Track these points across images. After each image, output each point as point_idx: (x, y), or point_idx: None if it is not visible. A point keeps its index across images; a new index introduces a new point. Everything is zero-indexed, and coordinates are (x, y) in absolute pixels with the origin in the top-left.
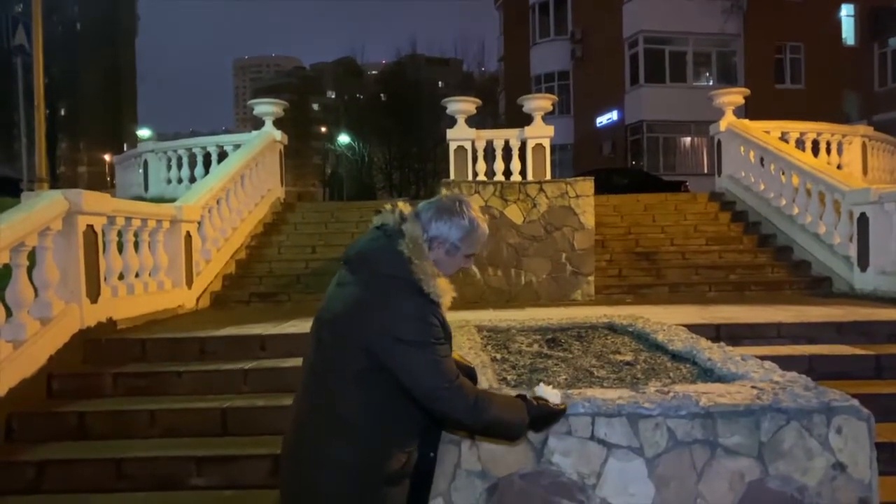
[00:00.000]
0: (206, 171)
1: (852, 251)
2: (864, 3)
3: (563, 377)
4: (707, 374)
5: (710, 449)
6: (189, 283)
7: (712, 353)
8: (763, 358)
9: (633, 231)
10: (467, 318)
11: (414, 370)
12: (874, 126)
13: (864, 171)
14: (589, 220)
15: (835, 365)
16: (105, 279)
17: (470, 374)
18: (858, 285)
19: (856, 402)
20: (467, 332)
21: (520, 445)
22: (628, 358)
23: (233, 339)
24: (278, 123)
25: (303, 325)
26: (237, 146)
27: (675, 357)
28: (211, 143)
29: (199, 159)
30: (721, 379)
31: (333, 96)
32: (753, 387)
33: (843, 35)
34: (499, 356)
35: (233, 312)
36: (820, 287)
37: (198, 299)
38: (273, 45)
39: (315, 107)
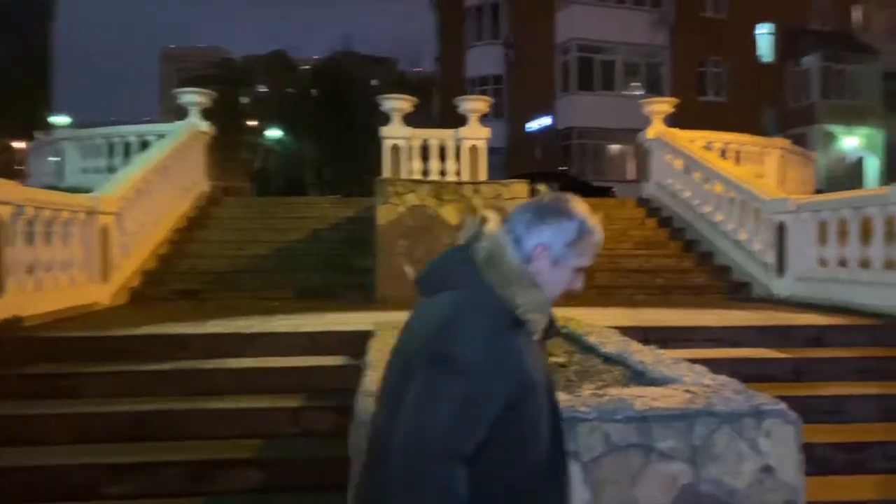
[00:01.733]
0: (127, 163)
1: (771, 258)
2: (781, 22)
3: None
4: (639, 376)
5: (645, 453)
6: (105, 278)
7: (643, 355)
8: (690, 360)
9: None
10: (401, 318)
11: (420, 403)
12: (789, 140)
13: (781, 182)
14: None
15: (756, 367)
16: (10, 273)
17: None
18: (776, 290)
19: (784, 405)
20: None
21: None
22: (561, 360)
23: (151, 338)
24: (205, 115)
25: (226, 325)
26: (160, 136)
27: (608, 359)
28: (132, 132)
29: (120, 149)
30: (653, 382)
31: (265, 90)
32: (686, 390)
33: (761, 52)
34: None
35: (152, 310)
36: (740, 292)
37: (114, 296)
38: (202, 34)
39: (244, 100)
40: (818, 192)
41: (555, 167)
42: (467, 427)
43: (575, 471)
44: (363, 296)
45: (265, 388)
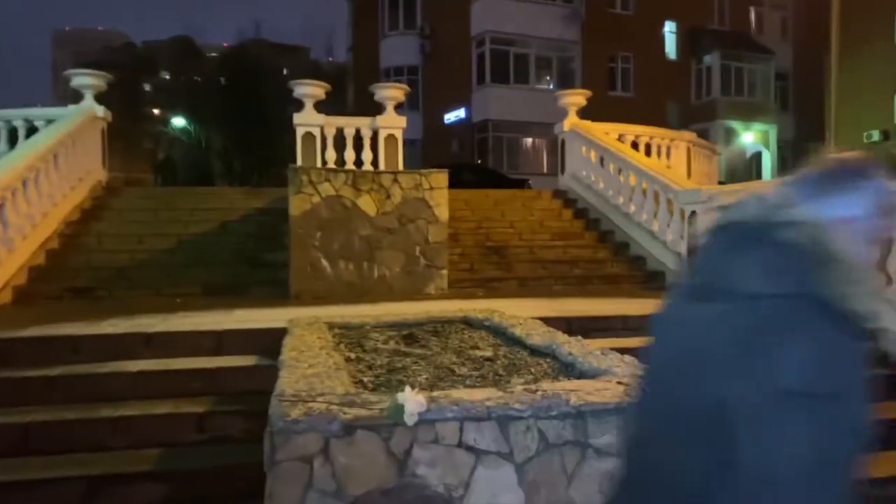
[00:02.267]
0: (12, 149)
1: (683, 247)
2: (684, 21)
3: (425, 376)
4: (568, 368)
5: (581, 450)
6: None
7: (571, 347)
8: (612, 349)
9: (484, 225)
10: (318, 314)
11: (774, 440)
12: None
13: (689, 174)
14: (443, 212)
15: None
16: None
17: None
18: None
19: None
20: (318, 329)
21: (380, 457)
22: (488, 353)
23: (38, 340)
24: (105, 102)
25: (124, 324)
26: (50, 122)
27: (535, 352)
28: (17, 116)
29: (4, 135)
30: (583, 374)
31: (168, 77)
32: (619, 382)
33: (667, 50)
34: (353, 355)
35: (40, 310)
36: (655, 281)
37: None
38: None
39: (147, 87)
40: (720, 184)
41: (471, 160)
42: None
43: (508, 473)
44: (276, 291)
45: (166, 392)
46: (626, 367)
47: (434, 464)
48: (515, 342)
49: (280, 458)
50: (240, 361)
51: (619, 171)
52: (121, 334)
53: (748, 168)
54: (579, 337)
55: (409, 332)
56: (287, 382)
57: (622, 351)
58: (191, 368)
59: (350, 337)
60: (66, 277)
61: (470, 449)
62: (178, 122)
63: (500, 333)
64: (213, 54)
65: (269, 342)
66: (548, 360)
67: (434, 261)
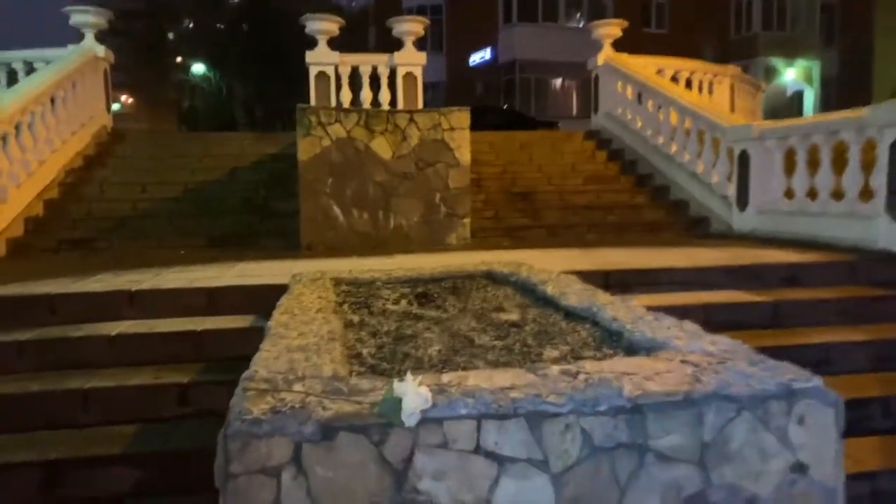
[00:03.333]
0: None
1: (731, 190)
2: None
3: (437, 348)
4: (613, 338)
5: (638, 455)
6: None
7: (616, 310)
8: (658, 309)
9: (510, 170)
10: (325, 268)
11: None
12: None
13: (732, 111)
14: (464, 155)
15: (730, 313)
16: None
17: None
18: (737, 225)
19: (820, 381)
20: (320, 286)
21: (370, 468)
22: (514, 317)
23: (12, 300)
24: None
25: (113, 280)
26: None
27: (570, 315)
28: (17, 58)
29: (3, 78)
30: (633, 347)
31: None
32: (684, 360)
33: None
34: (356, 319)
35: (32, 264)
36: (698, 227)
37: None
38: None
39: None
40: None
41: (497, 103)
42: None
43: (542, 486)
44: (287, 243)
45: (147, 359)
46: (689, 338)
47: (442, 476)
48: (547, 302)
49: (236, 470)
50: (233, 323)
51: (659, 107)
52: (102, 292)
53: (789, 107)
54: (626, 298)
55: (424, 290)
56: (264, 359)
57: (671, 311)
58: (176, 331)
59: (357, 295)
60: (65, 229)
61: (491, 455)
62: (199, 69)
63: (528, 291)
64: (235, 0)
65: (269, 300)
66: (587, 326)
67: (455, 208)
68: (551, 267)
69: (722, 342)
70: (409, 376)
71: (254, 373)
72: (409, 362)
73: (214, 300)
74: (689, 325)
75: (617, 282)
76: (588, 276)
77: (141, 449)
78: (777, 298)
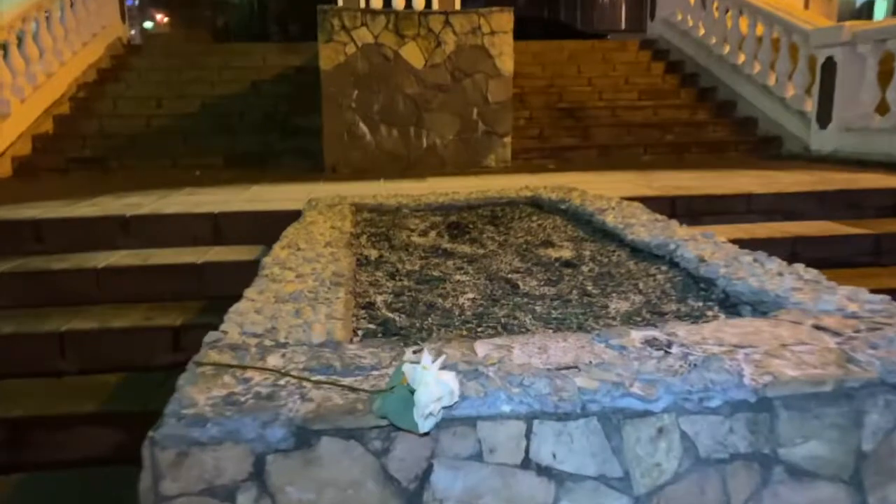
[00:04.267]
0: None
1: (809, 105)
2: None
3: (471, 295)
4: (702, 287)
5: (763, 471)
6: None
7: (701, 246)
8: (738, 242)
9: (557, 83)
10: (347, 192)
11: None
12: None
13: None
14: (507, 64)
15: (823, 248)
16: None
17: None
18: (815, 145)
19: None
20: (337, 214)
21: (369, 488)
22: (567, 254)
23: None
24: None
25: (111, 205)
26: None
27: (638, 252)
28: None
29: None
30: (733, 301)
31: None
32: (819, 326)
33: None
34: (374, 255)
35: (34, 184)
36: (768, 148)
37: None
38: None
39: None
40: None
41: (539, 13)
42: None
43: None
44: (310, 163)
45: (139, 296)
46: (814, 291)
47: (475, 501)
48: (606, 235)
49: (169, 491)
50: (239, 255)
51: (726, 11)
52: (93, 218)
53: (858, 18)
54: (713, 235)
55: (458, 220)
56: (241, 313)
57: (751, 245)
58: (174, 264)
59: (378, 225)
60: (75, 147)
61: (546, 472)
62: None
63: (582, 221)
64: None
65: (280, 229)
66: (662, 267)
67: (495, 125)
68: (607, 192)
69: (866, 298)
70: (425, 354)
71: (220, 335)
72: (434, 317)
73: (220, 228)
74: (810, 272)
75: (684, 210)
76: (651, 203)
77: (122, 406)
78: (879, 231)
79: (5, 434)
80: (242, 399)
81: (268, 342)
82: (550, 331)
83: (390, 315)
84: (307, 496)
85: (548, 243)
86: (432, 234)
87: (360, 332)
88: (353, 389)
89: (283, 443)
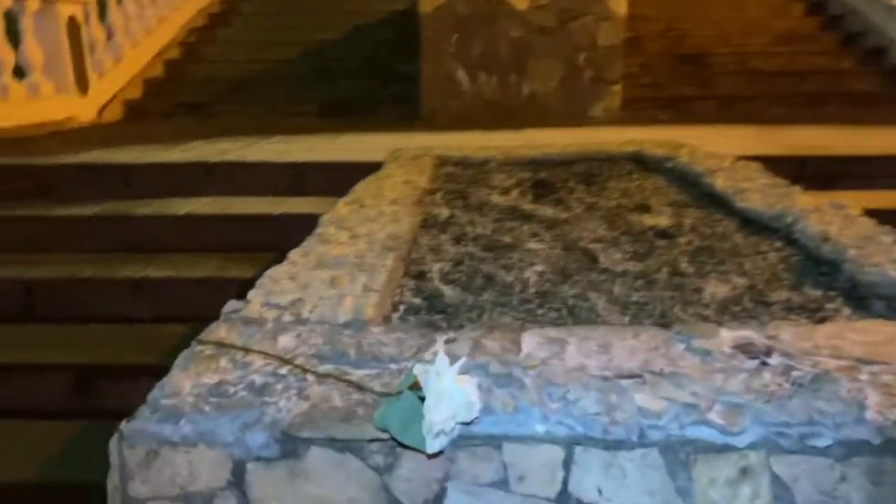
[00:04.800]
0: None
1: None
2: None
3: (540, 268)
4: (825, 271)
5: None
6: (83, 87)
7: (826, 220)
8: (879, 216)
9: (676, 27)
10: (437, 143)
11: None
12: None
13: None
14: (619, 4)
15: None
16: None
17: None
18: None
19: None
20: (417, 167)
21: None
22: (663, 222)
23: (87, 169)
24: None
25: (199, 150)
26: None
27: (750, 223)
28: None
29: None
30: (862, 292)
31: None
32: None
33: None
34: (444, 214)
35: (138, 129)
36: None
37: (102, 110)
38: None
39: None
40: None
41: None
42: None
43: None
44: (407, 111)
45: (214, 245)
46: None
47: None
48: (714, 201)
49: (139, 493)
50: (315, 207)
51: None
52: (179, 163)
53: None
54: (845, 206)
55: (546, 177)
56: (273, 280)
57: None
58: (251, 214)
59: (459, 180)
60: (182, 91)
61: None
62: None
63: (688, 184)
64: None
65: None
66: (776, 243)
67: (603, 72)
68: (723, 150)
69: None
70: (440, 356)
71: (240, 305)
72: (490, 293)
73: (302, 178)
74: None
75: (815, 173)
76: (776, 164)
77: None
78: None
79: (73, 380)
80: (231, 391)
81: (287, 317)
82: (626, 319)
83: (441, 288)
84: None
85: (643, 208)
86: (515, 192)
87: (400, 308)
88: (359, 387)
89: (266, 450)
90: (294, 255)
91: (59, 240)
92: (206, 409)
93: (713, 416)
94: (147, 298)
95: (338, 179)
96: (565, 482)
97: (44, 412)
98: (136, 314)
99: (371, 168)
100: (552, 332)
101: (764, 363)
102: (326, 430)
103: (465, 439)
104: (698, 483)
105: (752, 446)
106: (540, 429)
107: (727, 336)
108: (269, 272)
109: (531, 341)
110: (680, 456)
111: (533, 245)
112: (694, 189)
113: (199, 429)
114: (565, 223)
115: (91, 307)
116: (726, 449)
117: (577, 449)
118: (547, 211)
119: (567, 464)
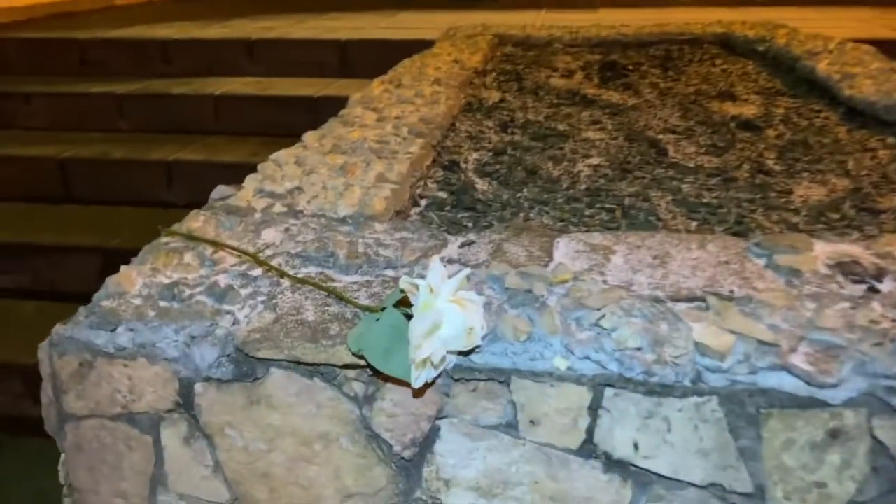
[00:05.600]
0: None
1: None
2: None
3: (594, 161)
4: None
5: None
6: None
7: None
8: None
9: None
10: (497, 21)
11: None
12: None
13: None
14: None
15: None
16: None
17: None
18: None
19: None
20: (470, 47)
21: (351, 448)
22: (750, 112)
23: (127, 44)
24: None
25: (242, 28)
26: None
27: (855, 114)
28: None
29: None
30: None
31: None
32: None
33: None
34: (492, 98)
35: (183, 5)
36: None
37: None
38: None
39: None
40: None
41: None
42: None
43: None
44: None
45: (250, 128)
46: None
47: (499, 489)
48: (813, 88)
49: (76, 410)
50: (362, 89)
51: None
52: (220, 40)
53: None
54: None
55: (617, 60)
56: (278, 161)
57: None
58: (289, 95)
59: (517, 61)
60: None
61: (619, 467)
62: None
63: (783, 69)
64: None
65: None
66: (889, 139)
67: None
68: (830, 32)
69: None
70: (435, 263)
71: (230, 192)
72: (532, 189)
73: (347, 57)
74: None
75: None
76: (889, 49)
77: None
78: None
79: (100, 263)
80: (187, 294)
81: (279, 207)
82: (693, 225)
83: (474, 180)
84: (256, 445)
85: (727, 95)
86: (579, 75)
87: (421, 203)
88: (339, 297)
89: (217, 370)
90: (308, 137)
91: (95, 118)
92: (151, 315)
93: (798, 361)
94: (180, 182)
95: (384, 59)
96: (590, 432)
97: (69, 294)
98: (169, 198)
99: (420, 46)
100: (596, 237)
101: (872, 289)
102: (289, 350)
103: (465, 370)
104: (769, 445)
105: (850, 403)
106: (561, 364)
107: (822, 251)
108: (273, 155)
109: (567, 249)
110: (748, 409)
111: (591, 134)
112: (790, 75)
113: (139, 339)
114: (633, 110)
115: (123, 189)
116: (813, 404)
117: (609, 392)
118: (613, 96)
119: (594, 410)
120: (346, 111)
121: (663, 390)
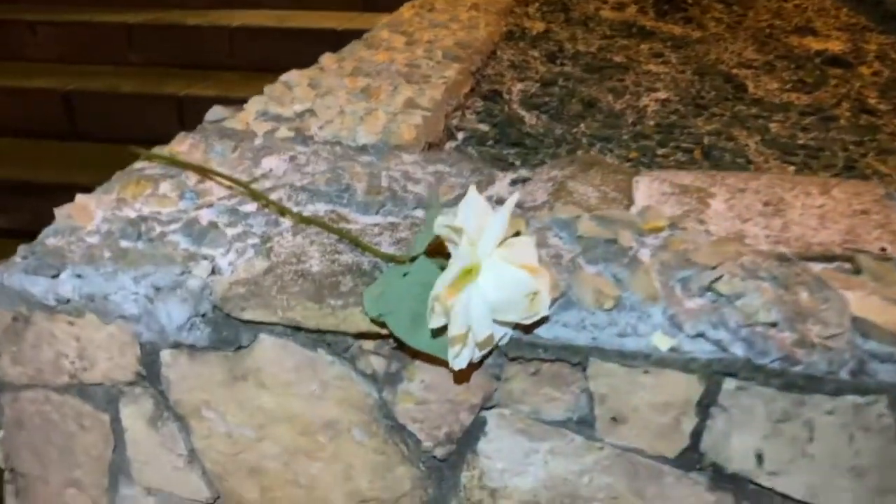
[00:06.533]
0: None
1: None
2: None
3: (661, 95)
4: None
5: None
6: None
7: None
8: None
9: None
10: None
11: None
12: None
13: None
14: None
15: None
16: None
17: None
18: None
19: None
20: None
21: (367, 442)
22: (836, 47)
23: None
24: None
25: None
26: None
27: None
28: None
29: None
30: None
31: None
32: None
33: None
34: (536, 28)
35: None
36: None
37: None
38: None
39: None
40: None
41: None
42: None
43: None
44: None
45: (265, 63)
46: None
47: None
48: None
49: (13, 378)
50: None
51: None
52: None
53: None
54: None
55: None
56: (288, 83)
57: None
58: (308, 28)
59: None
60: None
61: (733, 485)
62: None
63: (867, 3)
64: None
65: None
66: None
67: None
68: None
69: None
70: (473, 195)
71: (227, 114)
72: (591, 123)
73: None
74: None
75: None
76: None
77: None
78: None
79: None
80: (158, 230)
81: (285, 132)
82: (791, 170)
83: (521, 113)
84: (243, 432)
85: (806, 29)
86: (632, 8)
87: (459, 136)
88: (355, 243)
89: (190, 334)
90: (326, 58)
91: (103, 49)
92: (106, 257)
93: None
94: (192, 119)
95: None
96: (696, 436)
97: None
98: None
99: None
100: (685, 175)
101: None
102: (284, 311)
103: (525, 347)
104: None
105: None
106: (663, 343)
107: None
108: (284, 76)
109: (651, 189)
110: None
111: (654, 67)
112: (877, 10)
113: (86, 289)
114: (699, 43)
115: (132, 125)
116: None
117: (730, 384)
118: (674, 29)
119: (705, 407)
120: (373, 33)
121: (808, 384)
